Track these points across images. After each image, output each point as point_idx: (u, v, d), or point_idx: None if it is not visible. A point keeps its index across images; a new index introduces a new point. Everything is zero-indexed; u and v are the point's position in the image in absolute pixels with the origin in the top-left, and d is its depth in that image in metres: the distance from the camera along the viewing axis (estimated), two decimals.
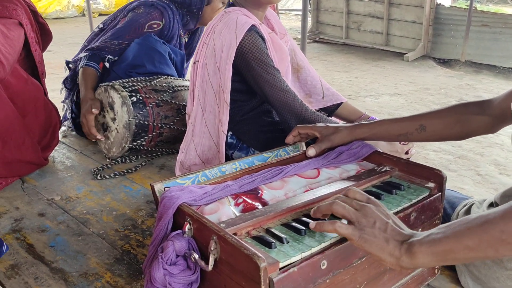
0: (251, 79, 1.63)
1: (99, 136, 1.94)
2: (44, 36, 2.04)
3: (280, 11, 9.48)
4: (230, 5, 1.73)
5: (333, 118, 1.66)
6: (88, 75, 2.03)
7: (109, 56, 2.08)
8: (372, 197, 0.96)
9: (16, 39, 1.74)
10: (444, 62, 6.86)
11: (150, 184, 1.14)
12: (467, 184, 3.28)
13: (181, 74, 2.25)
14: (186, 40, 2.42)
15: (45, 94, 2.00)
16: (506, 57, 6.39)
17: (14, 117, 1.75)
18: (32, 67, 1.99)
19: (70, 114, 2.25)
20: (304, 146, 1.47)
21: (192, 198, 1.06)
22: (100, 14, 10.84)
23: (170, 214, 1.02)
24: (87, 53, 2.09)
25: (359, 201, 0.94)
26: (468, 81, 5.98)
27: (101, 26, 2.31)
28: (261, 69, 1.59)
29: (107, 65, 2.08)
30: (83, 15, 11.02)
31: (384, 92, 5.44)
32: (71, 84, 2.21)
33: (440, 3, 7.02)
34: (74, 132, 2.31)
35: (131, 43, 2.09)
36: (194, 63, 1.68)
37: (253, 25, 1.61)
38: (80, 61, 2.10)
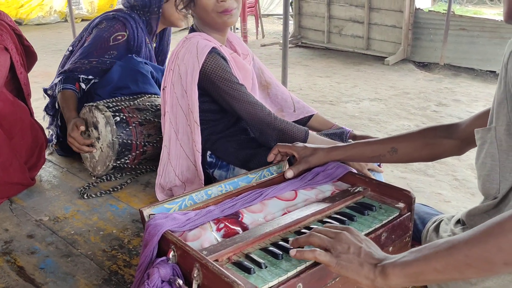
0: (219, 97, 1.72)
1: (94, 143, 1.99)
2: (29, 58, 2.08)
3: (262, 15, 9.56)
4: (191, 30, 1.81)
5: (301, 127, 1.74)
6: (68, 98, 2.09)
7: (82, 76, 2.13)
8: (346, 226, 1.03)
9: (2, 65, 1.79)
10: (424, 66, 7.00)
11: (139, 210, 1.19)
12: (444, 190, 3.38)
13: None
14: (155, 45, 2.46)
15: (31, 114, 2.05)
16: (484, 60, 6.55)
17: (1, 140, 1.79)
18: (18, 88, 2.03)
19: (56, 138, 2.29)
20: (287, 165, 1.54)
21: (176, 225, 1.12)
22: (83, 20, 10.77)
23: (155, 241, 1.08)
24: (60, 77, 2.14)
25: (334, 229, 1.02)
26: (447, 84, 6.12)
27: (70, 49, 2.33)
28: (226, 87, 1.68)
29: (83, 85, 2.13)
30: (66, 20, 10.97)
31: (364, 97, 5.54)
32: (52, 110, 2.27)
33: (419, 8, 7.15)
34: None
35: (114, 66, 2.13)
36: (163, 89, 1.75)
37: (213, 48, 1.69)
38: (56, 86, 2.15)
